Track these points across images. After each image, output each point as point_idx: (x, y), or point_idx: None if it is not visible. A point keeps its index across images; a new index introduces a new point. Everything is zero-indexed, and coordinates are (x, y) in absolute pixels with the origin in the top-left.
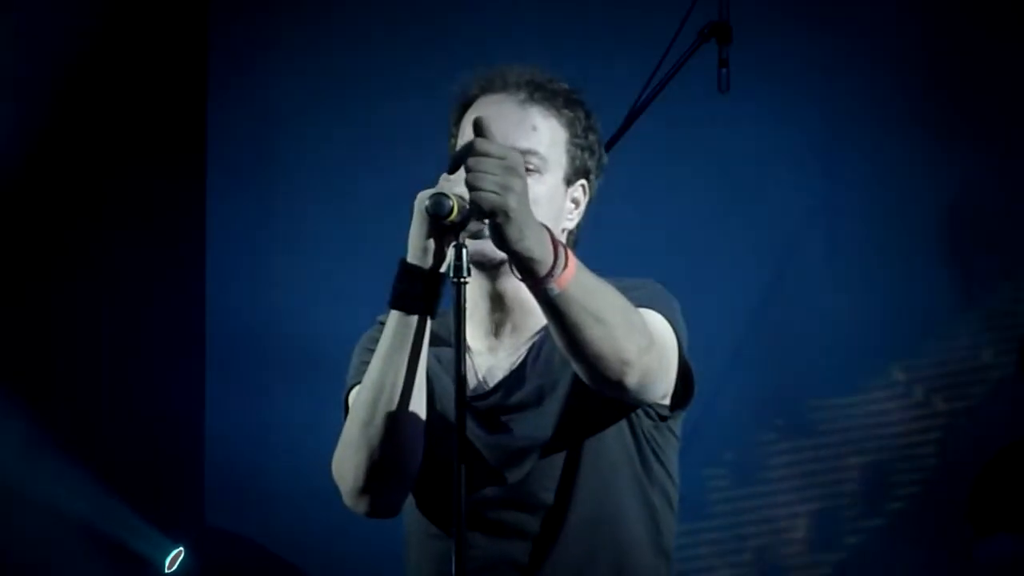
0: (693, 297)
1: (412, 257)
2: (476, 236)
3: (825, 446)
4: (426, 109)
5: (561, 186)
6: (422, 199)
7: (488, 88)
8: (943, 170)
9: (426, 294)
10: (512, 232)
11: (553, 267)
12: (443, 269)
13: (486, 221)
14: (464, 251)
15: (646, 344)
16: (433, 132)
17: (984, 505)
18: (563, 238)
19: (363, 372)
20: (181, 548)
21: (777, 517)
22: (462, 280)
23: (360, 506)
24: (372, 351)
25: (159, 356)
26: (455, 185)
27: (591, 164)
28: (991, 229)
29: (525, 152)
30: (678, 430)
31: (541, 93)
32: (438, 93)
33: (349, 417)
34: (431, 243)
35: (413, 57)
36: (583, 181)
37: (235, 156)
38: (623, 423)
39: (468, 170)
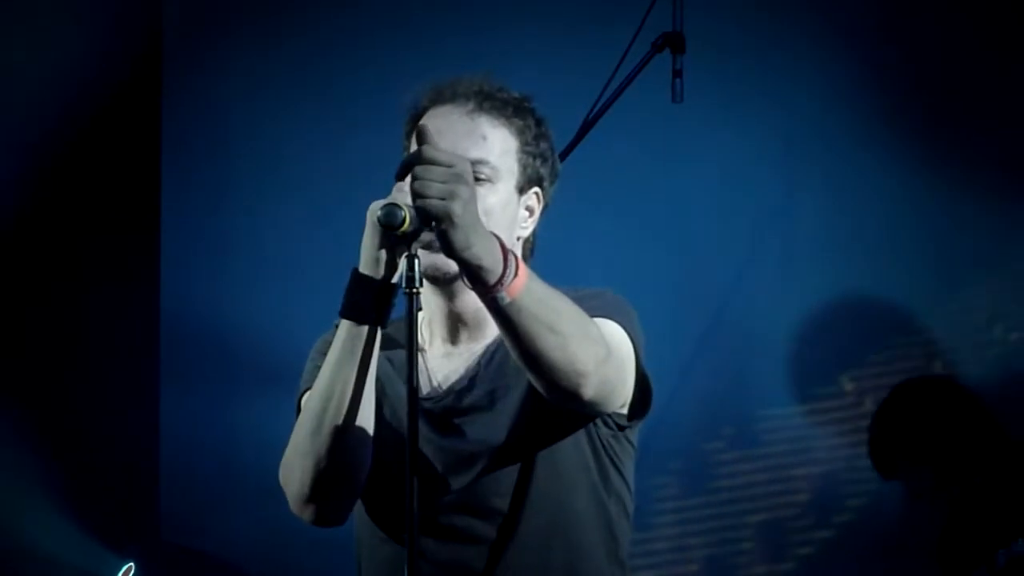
0: (647, 306)
1: (364, 267)
2: (429, 247)
3: (774, 455)
4: (383, 106)
5: (514, 195)
6: (374, 210)
7: (437, 100)
8: (900, 177)
9: (377, 305)
10: (458, 239)
11: (503, 276)
12: (395, 280)
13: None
14: (416, 262)
15: (603, 355)
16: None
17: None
18: (518, 247)
19: (315, 376)
20: (131, 564)
21: (725, 528)
22: (414, 291)
23: (306, 514)
24: (326, 355)
25: (111, 363)
26: (407, 196)
27: (544, 172)
28: (945, 238)
29: (476, 162)
30: (635, 439)
31: (490, 103)
32: (393, 91)
33: (297, 425)
34: (383, 253)
35: (370, 58)
36: (536, 189)
37: (189, 155)
38: (580, 431)
39: (414, 178)
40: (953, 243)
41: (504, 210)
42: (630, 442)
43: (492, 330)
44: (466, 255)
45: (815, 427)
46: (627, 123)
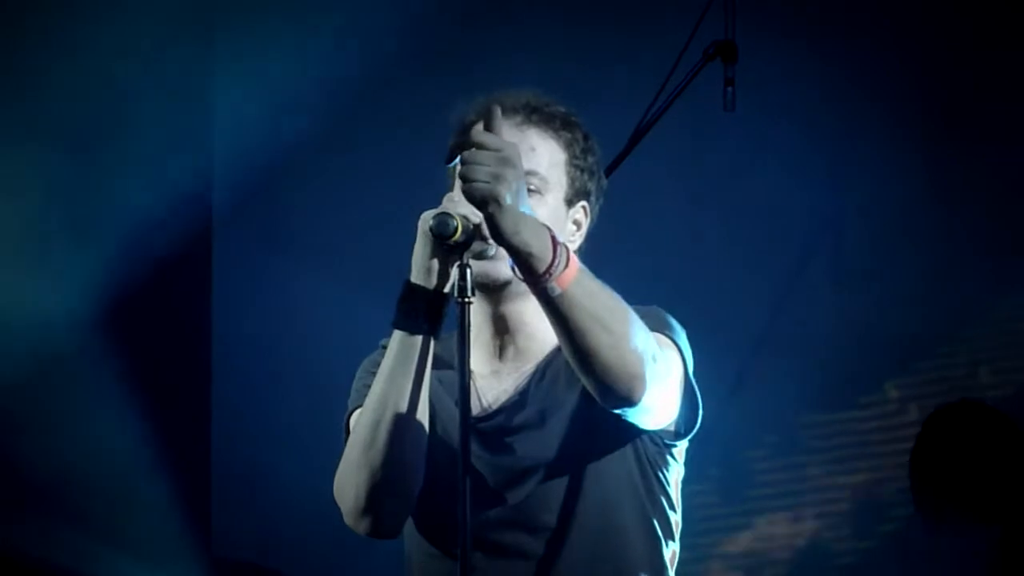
0: (697, 314)
1: (416, 277)
2: (480, 256)
3: (816, 464)
4: (428, 134)
5: (562, 207)
6: (426, 219)
7: (484, 114)
8: (950, 183)
9: (430, 315)
10: (506, 223)
11: (552, 264)
12: (447, 289)
13: (490, 242)
14: (468, 271)
15: (653, 358)
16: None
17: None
18: None
19: (364, 395)
20: None
21: (764, 536)
22: (466, 300)
23: (361, 526)
24: (374, 375)
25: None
26: (459, 205)
27: (591, 186)
28: (993, 241)
29: (526, 174)
30: (682, 457)
31: (538, 115)
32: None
33: (351, 438)
34: (435, 263)
35: (417, 85)
36: (584, 203)
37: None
38: (627, 448)
39: (462, 162)
40: (1002, 251)
41: (553, 223)
42: (676, 459)
43: (537, 347)
44: (515, 240)
45: (859, 435)
46: (678, 133)
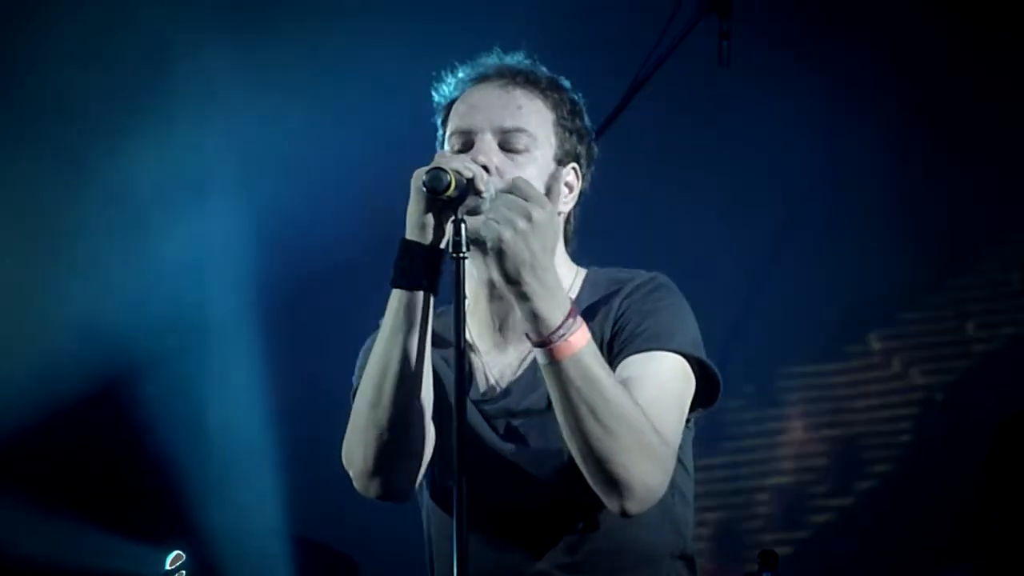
0: (687, 263)
1: (411, 233)
2: (474, 212)
3: (794, 417)
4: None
5: (552, 165)
6: (419, 175)
7: (471, 79)
8: (940, 137)
9: (427, 270)
10: (507, 267)
11: (556, 329)
12: (442, 245)
13: (484, 196)
14: (463, 226)
15: (656, 471)
16: None
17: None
18: (560, 221)
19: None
20: (180, 552)
21: (738, 491)
22: (461, 255)
23: (371, 489)
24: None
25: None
26: (451, 160)
27: (581, 149)
28: (980, 197)
29: (513, 130)
30: (693, 421)
31: (523, 77)
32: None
33: (356, 400)
34: (429, 218)
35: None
36: (574, 164)
37: None
38: None
39: (492, 204)
40: (990, 199)
41: (544, 181)
42: (689, 427)
43: None
44: (515, 290)
45: (839, 388)
46: (673, 86)
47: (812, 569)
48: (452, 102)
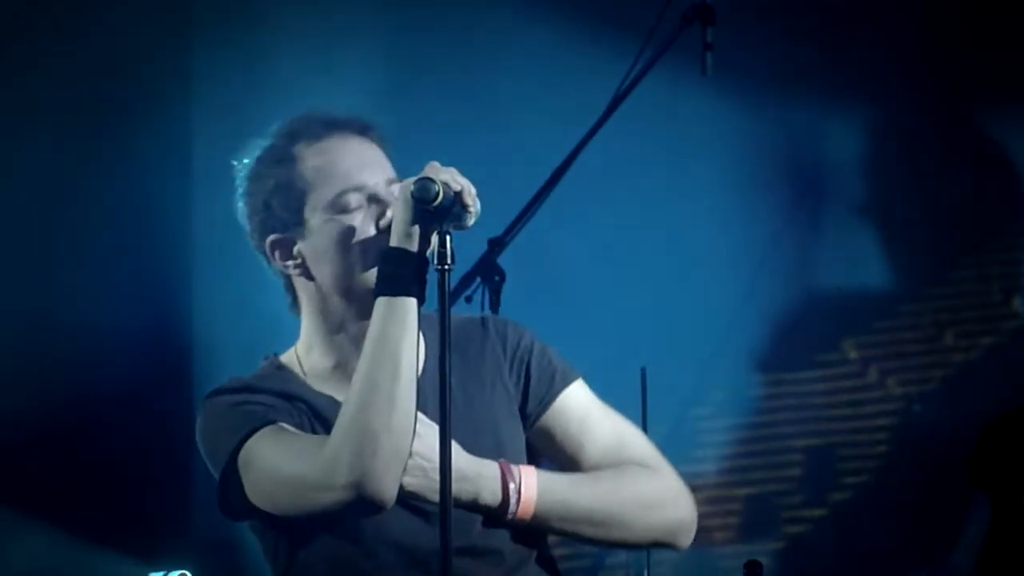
0: (673, 270)
1: (397, 241)
2: (460, 226)
3: (768, 425)
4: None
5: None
6: (407, 185)
7: (321, 133)
8: (921, 148)
9: (413, 277)
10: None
11: (505, 507)
12: (427, 255)
13: (470, 211)
14: (448, 238)
15: (672, 504)
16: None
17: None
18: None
19: None
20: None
21: (710, 500)
22: (446, 267)
23: (354, 495)
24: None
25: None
26: (440, 172)
27: None
28: (961, 206)
29: (390, 180)
30: None
31: (358, 125)
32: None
33: (342, 409)
34: (416, 229)
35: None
36: None
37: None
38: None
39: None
40: (969, 212)
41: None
42: None
43: None
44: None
45: (814, 396)
46: (656, 97)
47: None
48: (290, 158)
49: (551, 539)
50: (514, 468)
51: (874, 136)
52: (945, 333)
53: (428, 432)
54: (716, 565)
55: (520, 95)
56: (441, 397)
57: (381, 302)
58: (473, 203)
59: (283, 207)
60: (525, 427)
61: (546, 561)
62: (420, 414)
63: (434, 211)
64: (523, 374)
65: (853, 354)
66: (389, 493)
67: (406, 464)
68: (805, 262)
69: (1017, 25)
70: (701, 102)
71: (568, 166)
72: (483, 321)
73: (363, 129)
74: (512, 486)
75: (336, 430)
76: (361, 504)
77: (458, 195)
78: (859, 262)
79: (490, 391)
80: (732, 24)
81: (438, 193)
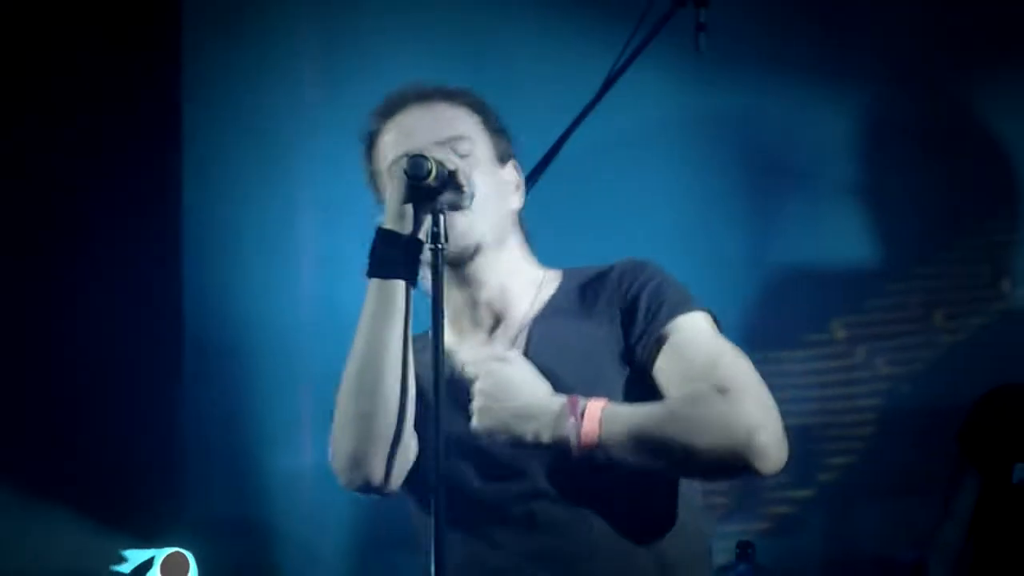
0: (671, 252)
1: (390, 222)
2: (454, 207)
3: None
4: None
5: (496, 166)
6: (400, 161)
7: (390, 111)
8: (918, 129)
9: (406, 259)
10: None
11: (575, 436)
12: (420, 236)
13: (465, 191)
14: (442, 218)
15: (749, 426)
16: None
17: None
18: (514, 219)
19: None
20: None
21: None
22: (440, 247)
23: (357, 481)
24: None
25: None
26: (434, 150)
27: (511, 150)
28: (951, 188)
29: (454, 139)
30: None
31: (439, 93)
32: None
33: (339, 395)
34: (409, 208)
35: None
36: (512, 162)
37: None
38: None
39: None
40: (958, 194)
41: (492, 178)
42: None
43: (519, 306)
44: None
45: (799, 376)
46: (650, 78)
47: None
48: (372, 136)
49: None
50: (581, 401)
51: (864, 118)
52: (933, 314)
53: (498, 369)
54: None
55: (508, 80)
56: (436, 386)
57: (373, 284)
58: (467, 183)
59: (374, 188)
60: (635, 364)
61: (636, 502)
62: (507, 352)
63: (427, 190)
64: (631, 310)
65: (840, 334)
66: (378, 477)
67: (411, 449)
68: (792, 243)
69: (1006, 6)
70: (691, 86)
71: (557, 151)
72: (613, 267)
73: (419, 96)
74: (572, 420)
75: (336, 417)
76: (360, 488)
77: (452, 174)
78: (848, 242)
79: (594, 329)
80: (724, 7)
81: (431, 170)
